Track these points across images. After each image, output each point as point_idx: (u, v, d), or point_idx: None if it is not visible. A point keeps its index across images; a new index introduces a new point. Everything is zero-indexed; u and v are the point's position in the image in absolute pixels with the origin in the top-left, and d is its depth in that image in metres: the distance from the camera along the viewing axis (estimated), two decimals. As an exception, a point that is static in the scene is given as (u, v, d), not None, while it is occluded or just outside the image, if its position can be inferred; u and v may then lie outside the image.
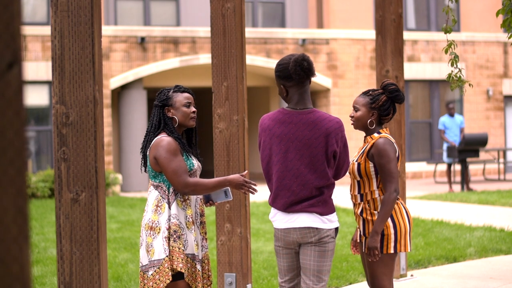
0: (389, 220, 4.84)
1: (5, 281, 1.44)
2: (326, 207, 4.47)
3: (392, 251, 4.82)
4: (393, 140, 4.96)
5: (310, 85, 4.56)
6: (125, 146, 19.94)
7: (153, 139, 4.63)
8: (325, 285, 4.54)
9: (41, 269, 8.54)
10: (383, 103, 4.97)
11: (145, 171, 4.73)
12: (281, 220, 4.51)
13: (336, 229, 4.56)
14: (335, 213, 4.53)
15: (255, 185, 4.55)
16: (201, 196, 4.70)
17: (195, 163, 4.66)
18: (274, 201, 4.53)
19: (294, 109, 4.49)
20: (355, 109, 4.97)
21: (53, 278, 7.91)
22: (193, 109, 4.71)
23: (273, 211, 4.59)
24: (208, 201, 4.69)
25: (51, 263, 8.85)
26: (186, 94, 4.72)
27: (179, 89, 4.73)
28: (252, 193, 4.55)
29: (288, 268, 4.61)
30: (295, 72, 4.42)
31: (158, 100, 4.71)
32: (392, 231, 4.82)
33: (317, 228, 4.45)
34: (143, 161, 4.71)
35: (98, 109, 4.25)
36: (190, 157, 4.66)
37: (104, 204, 4.32)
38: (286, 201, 4.46)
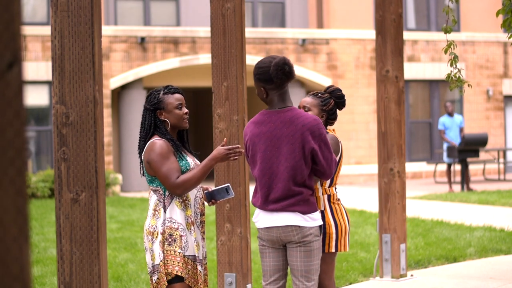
0: (331, 219, 4.97)
1: (5, 281, 1.44)
2: (308, 206, 4.49)
3: (333, 250, 4.97)
4: (339, 139, 5.12)
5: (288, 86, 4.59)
6: (125, 146, 19.94)
7: (146, 144, 4.55)
8: (315, 284, 4.56)
9: (41, 269, 8.54)
10: (332, 107, 5.16)
11: (143, 175, 4.67)
12: (263, 219, 4.55)
13: (320, 227, 4.58)
14: (318, 211, 4.55)
15: (238, 147, 4.48)
16: (201, 196, 4.66)
17: (191, 162, 4.60)
18: (257, 200, 4.57)
19: (273, 109, 4.54)
20: (306, 109, 5.09)
21: (53, 278, 7.91)
22: (185, 110, 4.61)
23: (256, 211, 4.62)
24: (210, 199, 4.67)
25: (51, 263, 8.85)
26: (177, 95, 4.61)
27: (169, 90, 4.61)
28: (240, 154, 4.48)
29: (274, 268, 4.61)
30: (276, 76, 4.45)
31: (149, 103, 4.58)
32: (334, 230, 4.96)
33: (299, 226, 4.47)
34: (141, 166, 4.64)
35: (98, 109, 4.25)
36: (185, 157, 4.58)
37: (104, 204, 4.32)
38: (266, 199, 4.50)
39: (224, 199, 4.78)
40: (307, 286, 4.53)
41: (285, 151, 4.45)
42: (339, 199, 5.10)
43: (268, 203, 4.51)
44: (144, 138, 4.56)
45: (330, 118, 5.15)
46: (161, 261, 4.40)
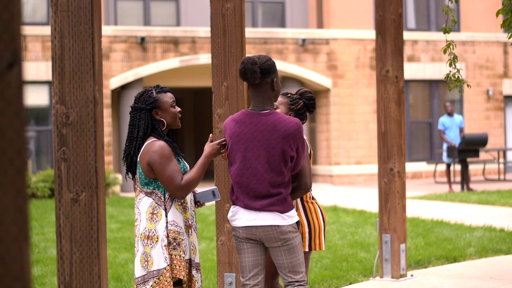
0: (304, 219, 5.13)
1: (5, 281, 1.44)
2: (285, 205, 4.57)
3: (306, 249, 5.12)
4: (307, 143, 5.19)
5: (269, 89, 4.60)
6: (125, 146, 19.91)
7: (142, 145, 4.44)
8: (304, 275, 4.66)
9: (41, 269, 8.54)
10: (301, 107, 5.30)
11: (132, 178, 4.54)
12: (242, 218, 4.58)
13: (297, 223, 4.66)
14: (294, 209, 4.64)
15: (225, 140, 4.62)
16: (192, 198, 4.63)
17: (187, 165, 4.59)
18: (236, 199, 4.60)
19: (254, 110, 4.60)
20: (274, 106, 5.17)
21: (53, 278, 7.91)
22: (178, 108, 4.57)
23: (233, 209, 4.62)
24: (195, 202, 4.64)
25: (51, 263, 8.85)
26: (170, 94, 4.57)
27: (162, 89, 4.55)
28: (225, 146, 4.61)
29: (253, 263, 4.65)
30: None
31: (144, 103, 4.48)
32: (306, 229, 5.12)
33: (278, 226, 4.54)
34: (128, 168, 4.50)
35: (98, 109, 4.25)
36: (181, 159, 4.55)
37: (104, 204, 4.32)
38: (245, 197, 4.54)
39: (210, 202, 4.78)
40: (296, 279, 4.63)
41: (265, 154, 4.51)
42: (313, 198, 5.24)
43: (247, 202, 4.55)
44: (142, 138, 4.46)
45: (298, 118, 5.26)
46: (168, 265, 4.32)
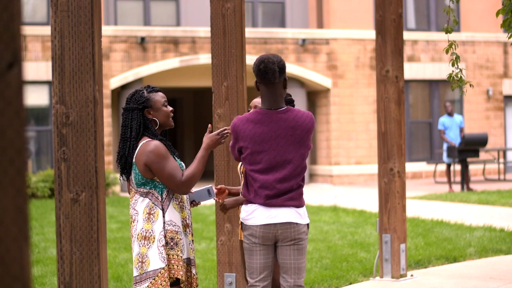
0: None
1: (5, 281, 1.44)
2: (301, 200, 4.62)
3: None
4: None
5: (282, 87, 4.61)
6: (125, 146, 19.90)
7: (136, 146, 4.42)
8: (303, 280, 4.69)
9: (41, 269, 8.54)
10: None
11: (126, 179, 4.50)
12: (261, 216, 4.55)
13: (307, 225, 4.67)
14: (305, 206, 4.67)
15: (225, 129, 4.60)
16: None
17: (183, 164, 4.58)
18: (255, 197, 4.56)
19: (270, 109, 4.59)
20: (257, 108, 5.18)
21: (53, 278, 7.91)
22: (170, 107, 4.55)
23: (249, 208, 4.58)
24: (191, 201, 4.63)
25: (51, 263, 8.85)
26: (161, 94, 4.56)
27: (153, 89, 4.54)
28: (227, 135, 4.60)
29: (264, 265, 4.65)
30: (254, 71, 4.58)
31: (136, 102, 4.47)
32: None
33: (296, 223, 4.57)
34: (122, 170, 4.46)
35: (98, 109, 4.25)
36: (176, 158, 4.52)
37: (104, 204, 4.31)
38: (268, 194, 4.52)
39: (205, 201, 4.77)
40: (298, 282, 4.64)
41: (292, 149, 4.55)
42: None
43: (268, 199, 4.54)
44: (135, 138, 4.45)
45: None
46: (166, 265, 4.31)
